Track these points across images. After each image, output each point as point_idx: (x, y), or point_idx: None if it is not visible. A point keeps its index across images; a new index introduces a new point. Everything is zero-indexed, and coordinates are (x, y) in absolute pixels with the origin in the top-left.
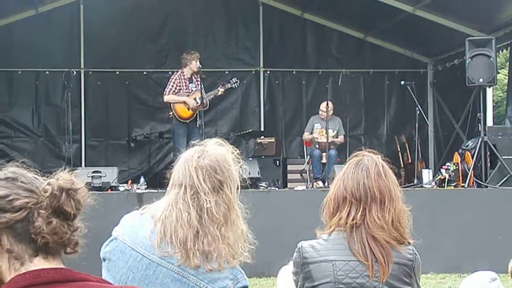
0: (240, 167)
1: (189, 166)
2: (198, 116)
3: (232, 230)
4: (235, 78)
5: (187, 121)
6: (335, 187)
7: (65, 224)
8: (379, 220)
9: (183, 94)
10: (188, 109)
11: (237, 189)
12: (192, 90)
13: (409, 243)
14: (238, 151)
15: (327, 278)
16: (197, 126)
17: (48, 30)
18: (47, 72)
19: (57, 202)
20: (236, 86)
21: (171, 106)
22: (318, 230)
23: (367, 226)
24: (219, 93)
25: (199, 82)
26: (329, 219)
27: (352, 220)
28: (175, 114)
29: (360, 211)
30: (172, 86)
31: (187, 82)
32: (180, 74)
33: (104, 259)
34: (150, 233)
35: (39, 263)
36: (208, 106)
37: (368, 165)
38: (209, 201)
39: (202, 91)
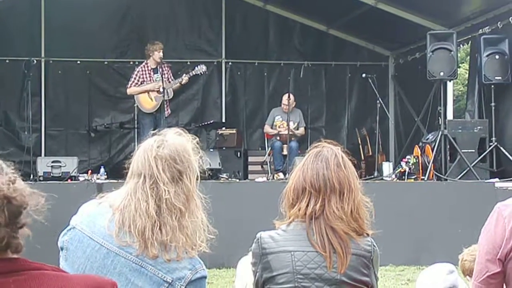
0: (200, 157)
1: (148, 155)
2: (166, 106)
3: (191, 220)
4: (202, 65)
5: (152, 111)
6: (294, 178)
7: (1, 230)
8: (338, 211)
9: (146, 86)
10: (152, 99)
11: (197, 179)
12: (156, 81)
13: (367, 234)
14: (197, 139)
15: (286, 268)
16: (167, 116)
17: (8, 19)
18: (7, 61)
19: None
20: (202, 73)
21: (136, 98)
22: (276, 221)
23: (326, 217)
24: (183, 82)
25: (165, 72)
26: (288, 209)
27: (311, 210)
28: (139, 106)
29: (319, 202)
30: (134, 79)
31: (151, 73)
32: (143, 66)
33: (62, 248)
34: (108, 223)
35: None
36: (171, 96)
37: (328, 156)
38: (168, 191)
39: (165, 81)
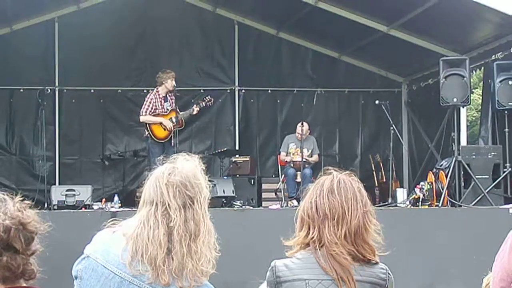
0: (207, 180)
1: (160, 183)
2: (173, 135)
3: (201, 245)
4: (209, 96)
5: (163, 141)
6: (298, 209)
7: (17, 257)
8: (331, 236)
9: (159, 114)
10: (165, 129)
11: (207, 203)
12: (167, 109)
13: (375, 261)
14: (201, 158)
15: None
16: (172, 145)
17: (22, 48)
18: (21, 90)
19: (6, 240)
20: (210, 105)
21: (147, 126)
22: (287, 253)
23: (325, 244)
24: (194, 112)
25: (173, 101)
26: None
27: (310, 239)
28: (151, 134)
29: (316, 229)
30: (148, 106)
31: (163, 101)
32: (155, 93)
33: (76, 277)
34: (122, 251)
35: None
36: (184, 125)
37: (323, 183)
38: (179, 217)
39: (177, 110)
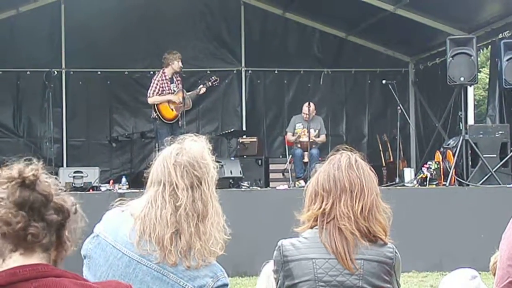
0: (213, 160)
1: (167, 163)
2: (180, 116)
3: (209, 226)
4: (214, 76)
5: (171, 122)
6: (309, 184)
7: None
8: (346, 209)
9: (165, 95)
10: (172, 109)
11: (215, 183)
12: (174, 91)
13: (383, 241)
14: (209, 139)
15: (307, 276)
16: (180, 126)
17: (29, 30)
18: (28, 72)
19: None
20: (216, 84)
21: (156, 107)
22: (296, 229)
23: (336, 218)
24: (201, 92)
25: (179, 82)
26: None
27: (322, 211)
28: (160, 115)
29: (330, 202)
30: (155, 87)
31: (169, 83)
32: (161, 75)
33: (85, 257)
34: (130, 231)
35: (18, 260)
36: (191, 106)
37: (340, 158)
38: (187, 197)
39: (184, 90)
